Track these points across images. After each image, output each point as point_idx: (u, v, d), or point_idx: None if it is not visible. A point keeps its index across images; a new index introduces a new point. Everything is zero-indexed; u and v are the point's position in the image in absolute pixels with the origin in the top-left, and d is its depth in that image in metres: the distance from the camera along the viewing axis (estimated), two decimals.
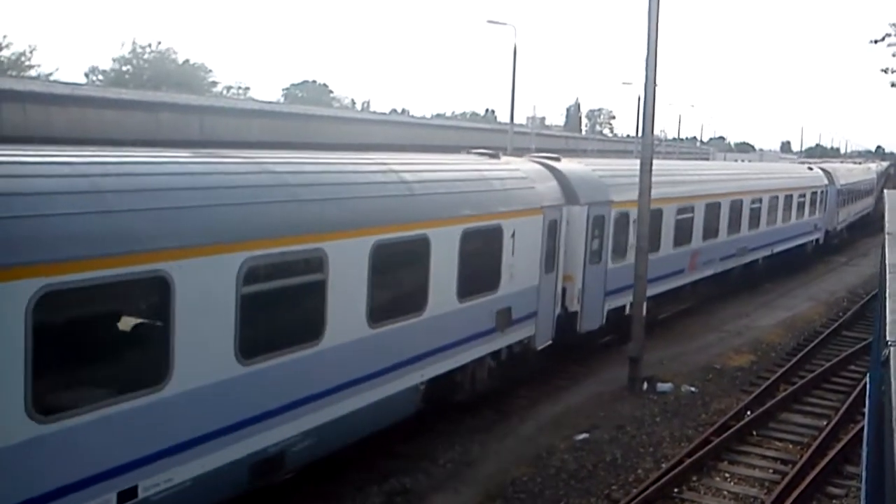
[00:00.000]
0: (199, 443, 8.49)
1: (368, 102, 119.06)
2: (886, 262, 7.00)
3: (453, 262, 12.35)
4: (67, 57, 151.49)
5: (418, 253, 11.68)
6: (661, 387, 16.31)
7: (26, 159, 7.80)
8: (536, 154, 17.67)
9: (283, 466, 9.76)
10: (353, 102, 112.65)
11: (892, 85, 32.79)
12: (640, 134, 24.48)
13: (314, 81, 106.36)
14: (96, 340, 7.79)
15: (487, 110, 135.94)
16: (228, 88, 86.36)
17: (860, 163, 70.79)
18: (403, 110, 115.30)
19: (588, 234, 16.41)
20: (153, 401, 7.98)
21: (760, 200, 27.25)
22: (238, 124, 41.09)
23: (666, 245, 20.07)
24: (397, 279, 11.60)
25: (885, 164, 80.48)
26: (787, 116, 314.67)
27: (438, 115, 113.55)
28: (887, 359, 4.16)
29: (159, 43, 75.16)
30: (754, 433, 14.15)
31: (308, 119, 48.23)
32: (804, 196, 32.56)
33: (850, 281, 31.77)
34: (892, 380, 3.78)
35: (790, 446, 13.82)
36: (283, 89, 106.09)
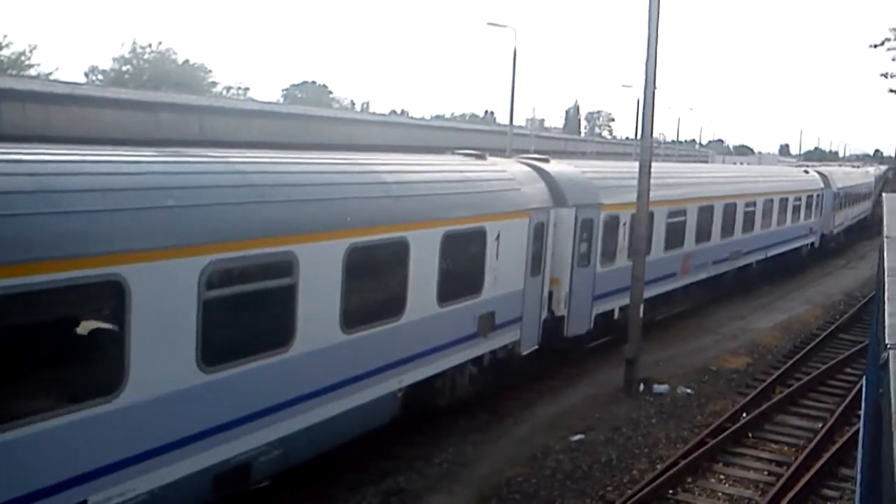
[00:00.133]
0: (156, 454, 8.09)
1: (368, 103, 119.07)
2: (885, 265, 6.95)
3: (433, 265, 11.97)
4: (67, 56, 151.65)
5: (396, 256, 11.29)
6: (657, 388, 16.21)
7: None
8: (524, 155, 17.29)
9: (249, 477, 9.36)
10: (353, 103, 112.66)
11: (891, 91, 32.76)
12: (639, 136, 24.38)
13: (314, 82, 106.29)
14: (44, 348, 7.36)
15: (487, 112, 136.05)
16: (228, 89, 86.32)
17: (858, 166, 70.83)
18: (403, 111, 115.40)
19: (576, 237, 16.04)
20: (105, 411, 7.56)
21: (755, 204, 26.83)
22: (238, 125, 41.05)
23: (657, 248, 19.62)
24: (374, 283, 11.19)
25: (883, 167, 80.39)
26: (786, 120, 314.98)
27: (438, 117, 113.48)
28: (886, 362, 4.12)
29: (160, 43, 75.38)
30: (749, 435, 14.07)
31: (307, 120, 48.19)
32: (799, 199, 32.13)
33: (847, 284, 31.61)
34: (893, 382, 3.74)
35: (785, 448, 13.72)
36: (282, 90, 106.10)
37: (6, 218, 6.95)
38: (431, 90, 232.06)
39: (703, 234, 22.57)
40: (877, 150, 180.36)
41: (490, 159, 15.04)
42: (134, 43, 72.92)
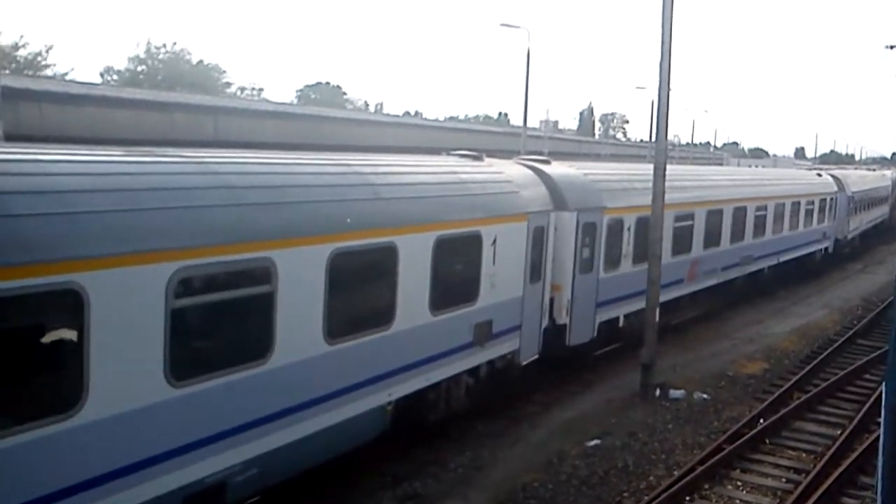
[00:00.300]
0: (121, 475, 7.54)
1: (382, 104, 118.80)
2: None
3: (425, 271, 11.38)
4: (83, 57, 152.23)
5: (384, 262, 10.71)
6: (674, 393, 15.99)
7: None
8: (524, 157, 16.69)
9: (223, 498, 8.77)
10: (367, 104, 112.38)
11: None
12: (653, 139, 24.23)
13: (328, 83, 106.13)
14: None
15: (501, 113, 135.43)
16: (242, 89, 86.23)
17: (874, 169, 70.32)
18: (417, 112, 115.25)
19: (578, 242, 15.47)
20: (62, 430, 7.00)
21: (766, 208, 26.16)
22: (252, 125, 41.12)
23: (663, 254, 18.53)
24: (360, 291, 10.55)
25: None
26: (802, 122, 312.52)
27: (452, 118, 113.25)
28: None
29: (174, 44, 75.19)
30: (767, 441, 13.82)
31: (321, 120, 48.20)
32: (812, 203, 31.35)
33: (866, 288, 31.24)
34: None
35: (803, 455, 13.48)
36: (296, 90, 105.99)
37: None
38: (445, 91, 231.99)
39: (711, 239, 21.91)
40: (894, 153, 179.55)
41: (487, 160, 14.48)
42: (149, 43, 72.96)
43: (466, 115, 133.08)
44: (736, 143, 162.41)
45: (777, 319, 24.39)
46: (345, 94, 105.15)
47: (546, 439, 13.64)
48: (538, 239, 14.27)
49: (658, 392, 15.96)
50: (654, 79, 16.28)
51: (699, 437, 14.05)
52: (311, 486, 10.57)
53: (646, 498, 11.30)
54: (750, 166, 78.62)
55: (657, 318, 16.50)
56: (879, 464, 9.67)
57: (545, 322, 14.98)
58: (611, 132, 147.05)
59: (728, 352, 20.13)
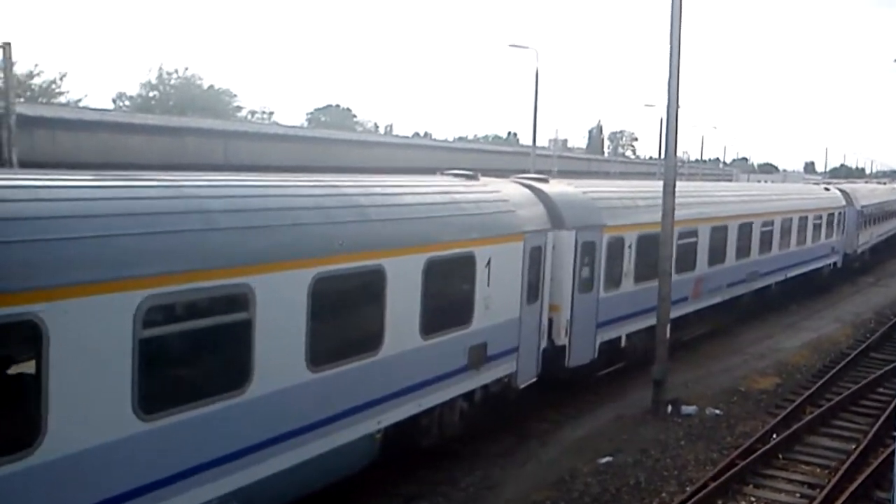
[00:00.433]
0: None
1: (391, 126, 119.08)
2: None
3: (415, 294, 10.94)
4: (96, 83, 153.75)
5: (371, 285, 10.27)
6: (686, 409, 15.77)
7: None
8: (521, 175, 16.33)
9: None
10: (377, 126, 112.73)
11: None
12: (662, 156, 24.18)
13: (338, 106, 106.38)
14: None
15: (510, 133, 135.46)
16: (253, 113, 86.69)
17: (885, 182, 70.04)
18: (426, 133, 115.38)
19: (577, 262, 15.04)
20: (18, 469, 6.57)
21: (772, 223, 25.64)
22: (262, 148, 41.33)
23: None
24: (345, 316, 10.11)
25: None
26: (811, 137, 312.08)
27: (461, 139, 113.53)
28: None
29: (186, 69, 75.70)
30: (780, 457, 13.65)
31: (332, 143, 48.37)
32: (820, 218, 30.83)
33: (878, 302, 31.26)
34: None
35: (817, 470, 13.27)
36: (307, 114, 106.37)
37: None
38: (454, 112, 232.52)
39: (716, 255, 21.41)
40: None
41: (483, 180, 14.11)
42: (160, 69, 73.26)
43: (476, 136, 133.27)
44: (745, 159, 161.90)
45: (788, 334, 24.10)
46: (354, 116, 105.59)
47: (557, 457, 13.47)
48: (535, 259, 13.86)
49: (670, 408, 15.75)
50: (663, 96, 16.22)
51: (712, 452, 13.86)
52: None
53: None
54: (759, 181, 78.46)
55: (668, 335, 16.40)
56: (895, 478, 9.60)
57: (544, 343, 14.53)
58: (620, 150, 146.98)
59: (740, 367, 19.88)
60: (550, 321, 14.73)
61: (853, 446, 14.25)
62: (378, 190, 11.29)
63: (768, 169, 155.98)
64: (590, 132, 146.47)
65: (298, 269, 9.13)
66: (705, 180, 61.88)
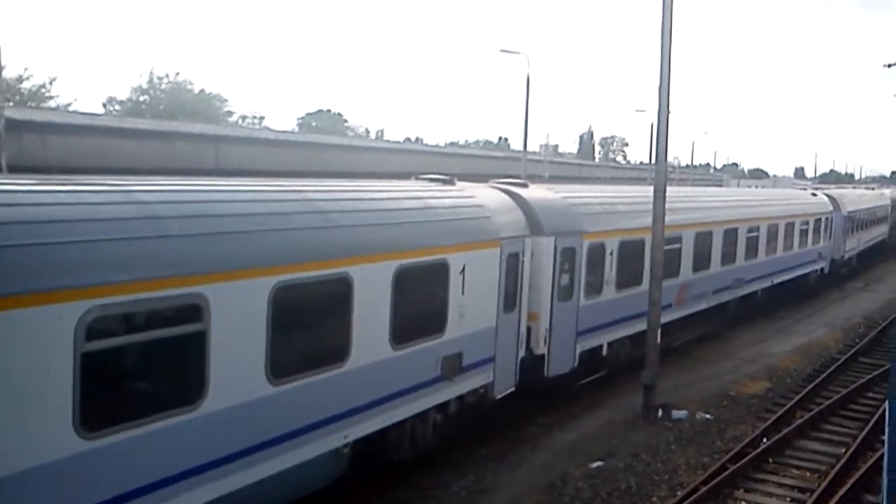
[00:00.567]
0: None
1: (382, 131, 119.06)
2: None
3: (384, 303, 10.51)
4: (86, 87, 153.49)
5: (337, 294, 9.83)
6: (676, 414, 15.75)
7: None
8: (500, 180, 15.90)
9: None
10: (368, 131, 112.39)
11: None
12: (653, 161, 24.17)
13: (329, 110, 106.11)
14: None
15: (501, 138, 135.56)
16: (244, 118, 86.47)
17: (873, 188, 70.38)
18: (417, 139, 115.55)
19: (556, 269, 14.64)
20: None
21: (758, 229, 25.29)
22: (253, 153, 41.18)
23: (649, 279, 17.75)
24: (309, 326, 9.67)
25: None
26: (801, 142, 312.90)
27: (452, 144, 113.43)
28: None
29: (177, 74, 75.23)
30: (771, 461, 13.67)
31: (323, 148, 48.26)
32: (807, 223, 30.49)
33: (866, 307, 31.24)
34: None
35: (808, 474, 13.29)
36: (297, 118, 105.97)
37: None
38: (446, 117, 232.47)
39: (700, 261, 21.04)
40: (893, 172, 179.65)
41: (459, 185, 13.72)
42: (151, 73, 72.40)
43: (467, 140, 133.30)
44: (736, 164, 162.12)
45: (778, 339, 24.01)
46: (346, 121, 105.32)
47: (549, 461, 13.40)
48: (513, 266, 13.45)
49: (660, 413, 15.69)
50: (654, 101, 16.21)
51: (702, 457, 13.83)
52: None
53: None
54: (750, 187, 78.76)
55: (658, 340, 16.27)
56: (884, 482, 9.64)
57: (522, 353, 14.11)
58: (611, 155, 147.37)
59: (730, 372, 19.84)
60: (529, 330, 14.32)
61: (843, 450, 14.26)
62: (345, 195, 10.88)
63: (758, 174, 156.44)
64: (581, 137, 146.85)
65: (257, 278, 8.69)
66: (695, 185, 61.99)
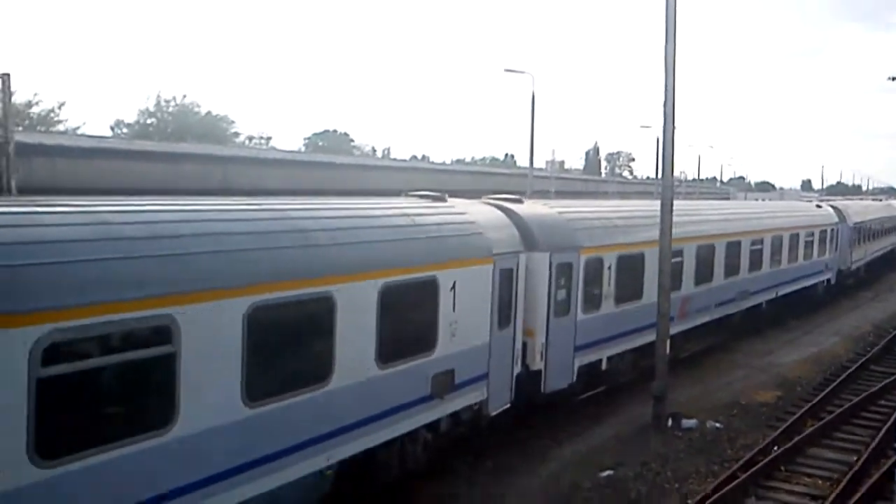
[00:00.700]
0: None
1: (389, 150, 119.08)
2: None
3: (370, 321, 10.20)
4: (94, 111, 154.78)
5: (318, 314, 9.54)
6: (686, 423, 15.65)
7: None
8: (493, 196, 15.64)
9: None
10: (374, 150, 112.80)
11: None
12: (659, 176, 24.12)
13: (335, 130, 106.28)
14: None
15: (507, 155, 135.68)
16: (251, 138, 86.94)
17: (881, 199, 70.21)
18: (424, 157, 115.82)
19: (552, 284, 14.38)
20: None
21: (762, 241, 24.92)
22: (260, 174, 41.30)
23: (650, 292, 17.46)
24: (289, 346, 9.32)
25: None
26: (808, 155, 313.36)
27: (458, 161, 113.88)
28: None
29: (184, 96, 75.30)
30: (782, 469, 13.55)
31: (329, 167, 48.50)
32: (812, 235, 30.07)
33: (877, 316, 31.06)
34: None
35: (819, 482, 13.16)
36: (304, 138, 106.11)
37: None
38: (452, 135, 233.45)
39: (703, 274, 20.69)
40: None
41: (451, 201, 13.44)
42: (158, 96, 72.63)
43: (473, 158, 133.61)
44: (742, 178, 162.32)
45: (788, 349, 23.80)
46: (352, 140, 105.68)
47: (558, 471, 13.32)
48: (506, 282, 13.16)
49: (671, 422, 15.61)
50: (659, 117, 16.18)
51: (713, 465, 13.72)
52: None
53: None
54: (756, 200, 78.70)
55: (667, 350, 16.33)
56: None
57: (518, 369, 13.79)
58: (617, 170, 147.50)
59: (740, 381, 19.69)
60: (525, 345, 14.04)
61: (854, 458, 14.14)
62: (327, 213, 10.55)
63: (765, 187, 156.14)
64: (587, 153, 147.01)
65: (230, 298, 8.36)
66: (701, 199, 61.94)
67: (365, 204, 11.96)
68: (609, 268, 16.13)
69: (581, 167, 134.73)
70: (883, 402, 17.82)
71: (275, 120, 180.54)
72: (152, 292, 7.66)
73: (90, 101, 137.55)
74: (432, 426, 11.89)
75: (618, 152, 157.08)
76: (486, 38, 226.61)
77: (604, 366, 16.38)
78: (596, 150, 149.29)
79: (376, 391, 10.45)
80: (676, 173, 34.99)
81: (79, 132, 52.77)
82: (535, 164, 55.21)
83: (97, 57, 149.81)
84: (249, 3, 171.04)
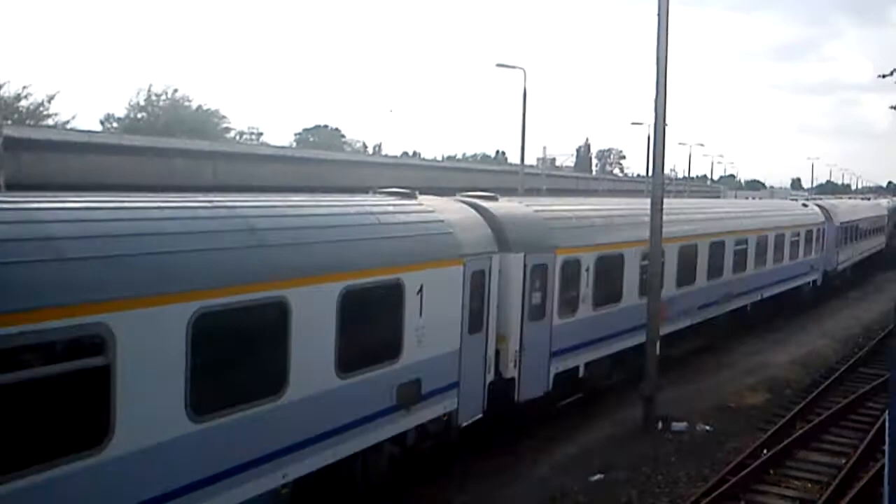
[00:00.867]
0: None
1: (380, 145, 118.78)
2: None
3: (329, 328, 9.55)
4: (84, 105, 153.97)
5: (271, 320, 8.89)
6: (676, 426, 15.51)
7: None
8: (467, 193, 14.85)
9: None
10: (365, 146, 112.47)
11: None
12: (650, 173, 23.99)
13: (326, 126, 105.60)
14: None
15: (498, 152, 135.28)
16: (241, 134, 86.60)
17: (869, 198, 70.38)
18: (415, 153, 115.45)
19: (526, 287, 13.62)
20: None
21: (746, 241, 24.18)
22: (251, 169, 41.22)
23: (629, 295, 16.89)
24: (238, 356, 8.64)
25: None
26: (798, 154, 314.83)
27: (450, 158, 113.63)
28: None
29: (175, 90, 74.71)
30: (772, 472, 13.49)
31: (320, 163, 48.28)
32: (798, 235, 29.43)
33: (865, 316, 30.80)
34: None
35: (809, 485, 13.11)
36: (295, 134, 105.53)
37: None
38: (443, 131, 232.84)
39: (685, 276, 19.91)
40: (889, 182, 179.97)
41: (421, 198, 12.77)
42: (149, 90, 71.85)
43: (464, 154, 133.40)
44: (732, 176, 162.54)
45: (777, 350, 23.55)
46: (343, 136, 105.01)
47: (549, 475, 13.20)
48: (478, 285, 12.43)
49: (660, 425, 15.49)
50: (650, 114, 15.98)
51: (703, 468, 13.62)
52: None
53: None
54: (746, 198, 78.90)
55: (657, 351, 16.00)
56: (886, 492, 9.58)
57: (490, 377, 13.06)
58: (608, 168, 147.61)
59: (729, 383, 19.52)
60: (497, 352, 13.30)
61: (844, 461, 14.13)
62: (282, 211, 9.88)
63: (755, 185, 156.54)
64: (578, 150, 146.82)
65: (172, 304, 7.72)
66: (691, 197, 61.96)
67: (326, 201, 11.28)
68: (587, 269, 15.36)
69: (572, 164, 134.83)
70: (871, 404, 17.74)
71: (266, 115, 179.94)
72: (82, 298, 6.99)
73: (80, 94, 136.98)
74: (398, 439, 11.22)
75: (609, 149, 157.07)
76: (478, 33, 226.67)
77: (581, 373, 15.65)
78: (587, 146, 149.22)
79: (336, 403, 9.79)
80: (667, 171, 34.89)
81: (69, 126, 52.32)
82: (527, 161, 55.12)
83: (88, 49, 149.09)
84: None
